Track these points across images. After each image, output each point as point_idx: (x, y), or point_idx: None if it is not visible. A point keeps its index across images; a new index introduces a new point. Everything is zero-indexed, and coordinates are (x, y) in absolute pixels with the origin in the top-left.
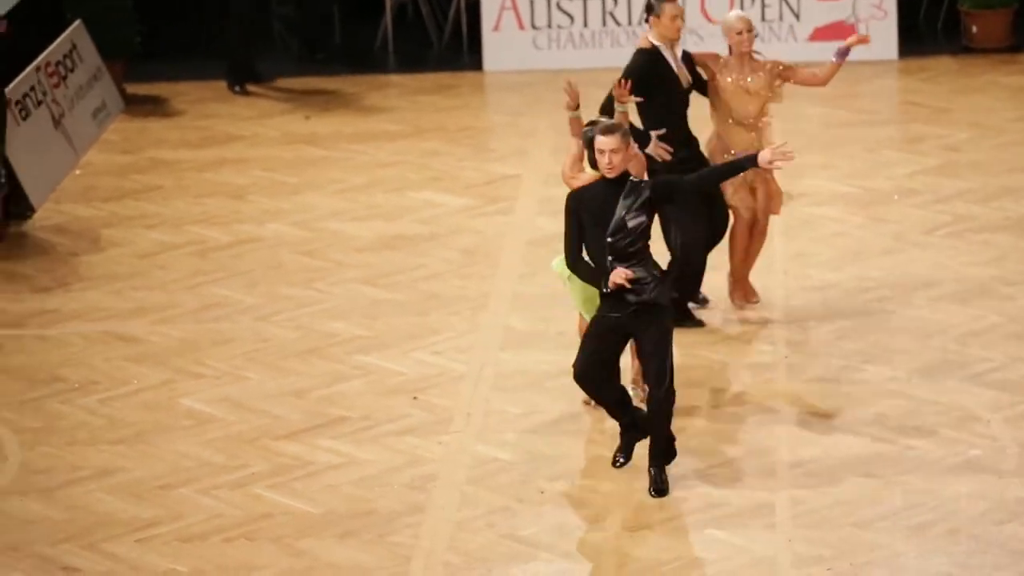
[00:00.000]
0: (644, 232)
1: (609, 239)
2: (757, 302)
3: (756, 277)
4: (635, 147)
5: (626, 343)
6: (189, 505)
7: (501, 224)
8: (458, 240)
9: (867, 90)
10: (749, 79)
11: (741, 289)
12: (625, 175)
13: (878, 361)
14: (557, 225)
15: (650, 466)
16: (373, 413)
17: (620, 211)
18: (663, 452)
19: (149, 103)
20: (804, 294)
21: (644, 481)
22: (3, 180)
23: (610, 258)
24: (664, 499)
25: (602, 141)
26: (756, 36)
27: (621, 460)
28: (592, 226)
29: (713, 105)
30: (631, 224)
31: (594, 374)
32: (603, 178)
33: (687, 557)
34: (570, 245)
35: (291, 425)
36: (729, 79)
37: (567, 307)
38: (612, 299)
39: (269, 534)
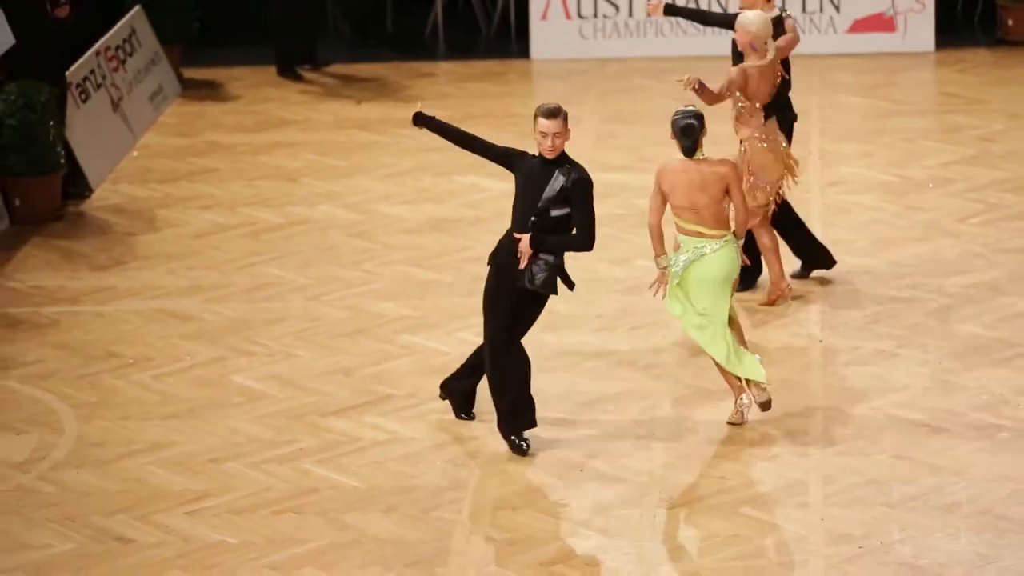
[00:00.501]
0: (564, 222)
1: (534, 218)
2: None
3: (795, 264)
4: None
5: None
6: (239, 479)
7: None
8: (503, 224)
9: (905, 81)
10: None
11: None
12: (563, 158)
13: (911, 345)
14: (600, 211)
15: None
16: (419, 391)
17: (547, 194)
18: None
19: (205, 87)
20: (839, 279)
21: (681, 461)
22: (63, 161)
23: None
24: (699, 478)
25: (546, 124)
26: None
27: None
28: (520, 192)
29: None
30: (554, 214)
31: (507, 338)
32: (541, 155)
33: (721, 534)
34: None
35: (339, 402)
36: None
37: (607, 291)
38: (508, 254)
39: (316, 508)
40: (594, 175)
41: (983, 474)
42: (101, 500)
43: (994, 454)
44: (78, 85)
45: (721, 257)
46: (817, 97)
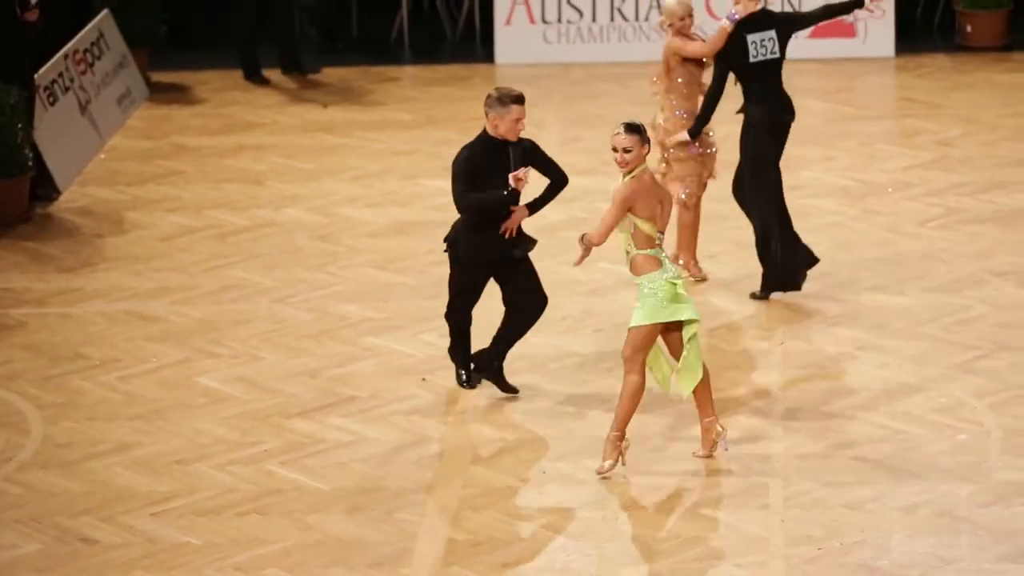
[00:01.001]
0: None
1: (507, 193)
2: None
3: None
4: None
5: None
6: (204, 480)
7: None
8: None
9: (865, 86)
10: None
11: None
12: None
13: (870, 348)
14: (563, 214)
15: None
16: (382, 393)
17: (513, 168)
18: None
19: (172, 91)
20: None
21: (642, 463)
22: (31, 163)
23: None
24: (660, 480)
25: (520, 110)
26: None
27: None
28: (488, 182)
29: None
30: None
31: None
32: (489, 139)
33: (683, 536)
34: (465, 191)
35: (303, 404)
36: None
37: (570, 293)
38: (499, 244)
39: (280, 509)
40: None
41: (942, 476)
42: (67, 501)
43: (953, 456)
44: (46, 88)
45: None
46: None
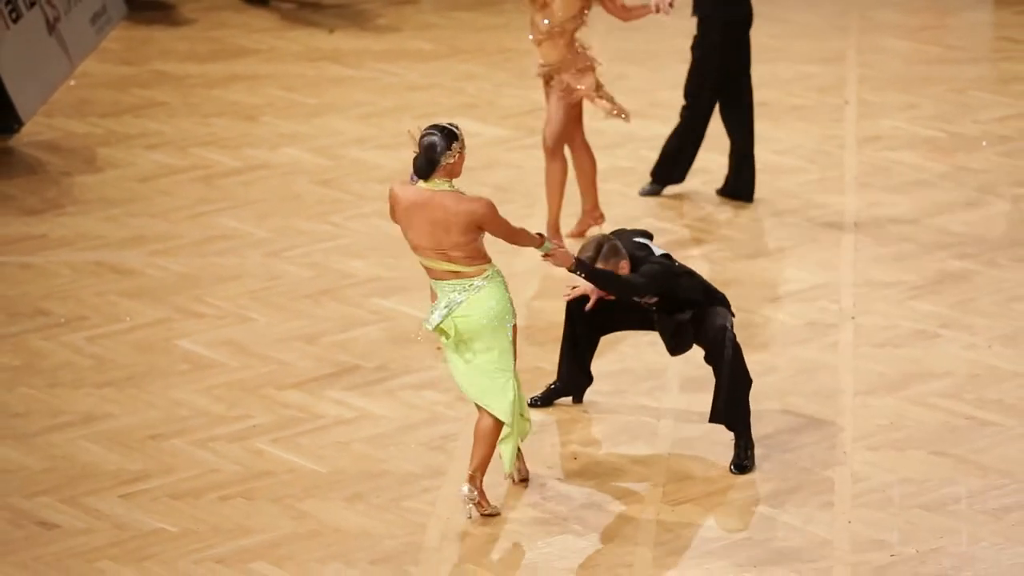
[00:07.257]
0: None
1: None
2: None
3: (824, 230)
4: None
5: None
6: (182, 458)
7: (541, 158)
8: (493, 174)
9: (957, 23)
10: None
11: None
12: None
13: (955, 326)
14: (605, 162)
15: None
16: (390, 363)
17: None
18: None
19: (154, 9)
20: (875, 248)
21: (689, 450)
22: None
23: None
24: (708, 471)
25: None
26: None
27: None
28: None
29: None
30: None
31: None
32: None
33: (734, 536)
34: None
35: (299, 373)
36: None
37: None
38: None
39: (270, 494)
40: (598, 121)
41: None
42: (22, 479)
43: None
44: (8, 2)
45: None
46: (855, 39)
